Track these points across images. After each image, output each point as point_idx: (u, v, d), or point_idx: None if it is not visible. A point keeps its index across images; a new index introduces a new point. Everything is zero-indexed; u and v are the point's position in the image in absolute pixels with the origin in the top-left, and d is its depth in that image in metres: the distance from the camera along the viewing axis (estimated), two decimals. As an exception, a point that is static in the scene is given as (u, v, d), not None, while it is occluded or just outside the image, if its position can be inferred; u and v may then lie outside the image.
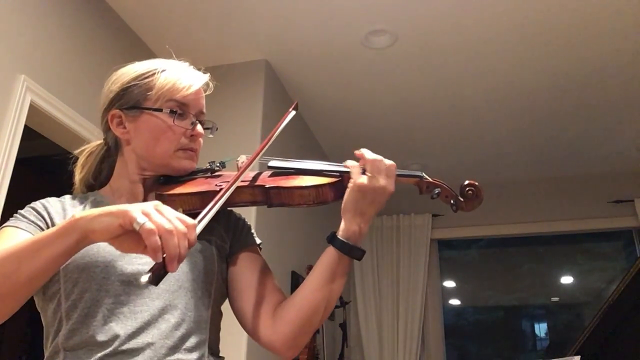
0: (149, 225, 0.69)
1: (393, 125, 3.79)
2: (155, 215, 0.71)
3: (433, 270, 4.56)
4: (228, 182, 0.94)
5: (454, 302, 4.93)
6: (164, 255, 0.69)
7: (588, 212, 4.30)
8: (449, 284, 4.85)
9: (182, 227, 0.71)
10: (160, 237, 0.69)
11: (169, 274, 0.91)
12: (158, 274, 0.69)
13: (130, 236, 0.72)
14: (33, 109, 2.08)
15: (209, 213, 0.82)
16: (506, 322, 4.95)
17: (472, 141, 3.99)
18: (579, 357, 1.52)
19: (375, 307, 4.37)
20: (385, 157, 0.97)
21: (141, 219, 0.70)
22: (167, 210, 0.73)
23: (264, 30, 2.84)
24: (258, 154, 1.01)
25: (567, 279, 4.71)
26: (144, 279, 0.67)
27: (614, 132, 3.80)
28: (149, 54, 2.85)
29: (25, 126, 2.06)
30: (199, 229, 0.77)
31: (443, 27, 2.77)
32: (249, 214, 2.65)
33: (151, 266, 0.69)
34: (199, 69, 1.08)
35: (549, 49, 2.92)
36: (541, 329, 4.80)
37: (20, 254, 0.75)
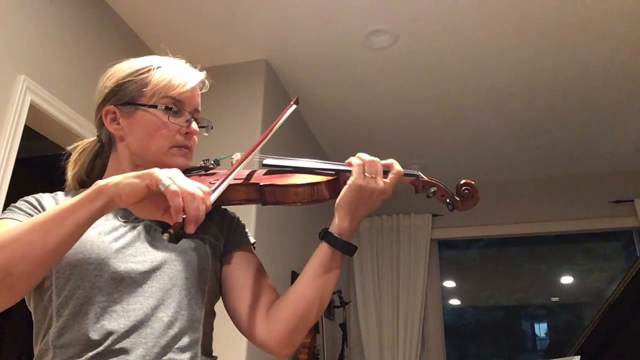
0: (174, 187, 0.75)
1: (393, 125, 3.79)
2: (179, 179, 0.77)
3: (433, 270, 4.56)
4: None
5: (454, 302, 4.93)
6: (184, 217, 0.74)
7: (588, 212, 4.30)
8: (449, 284, 4.84)
9: (199, 193, 0.77)
10: (182, 200, 0.74)
11: (163, 272, 0.92)
12: (177, 233, 0.74)
13: (151, 200, 0.78)
14: (33, 109, 2.08)
15: (222, 184, 0.87)
16: (506, 322, 4.95)
17: (472, 141, 3.99)
18: (579, 357, 1.52)
19: (375, 307, 4.37)
20: (384, 157, 0.98)
21: (167, 181, 0.76)
22: (185, 177, 0.79)
23: (264, 30, 2.84)
24: (259, 143, 1.02)
25: (567, 279, 4.70)
26: (165, 235, 0.73)
27: (614, 132, 3.80)
28: (149, 54, 2.83)
29: (25, 126, 2.06)
30: (213, 197, 0.82)
31: (443, 27, 2.77)
32: (248, 213, 2.65)
33: (171, 225, 0.74)
34: (195, 67, 1.07)
35: (549, 49, 2.92)
36: (541, 329, 4.80)
37: (45, 223, 0.77)
